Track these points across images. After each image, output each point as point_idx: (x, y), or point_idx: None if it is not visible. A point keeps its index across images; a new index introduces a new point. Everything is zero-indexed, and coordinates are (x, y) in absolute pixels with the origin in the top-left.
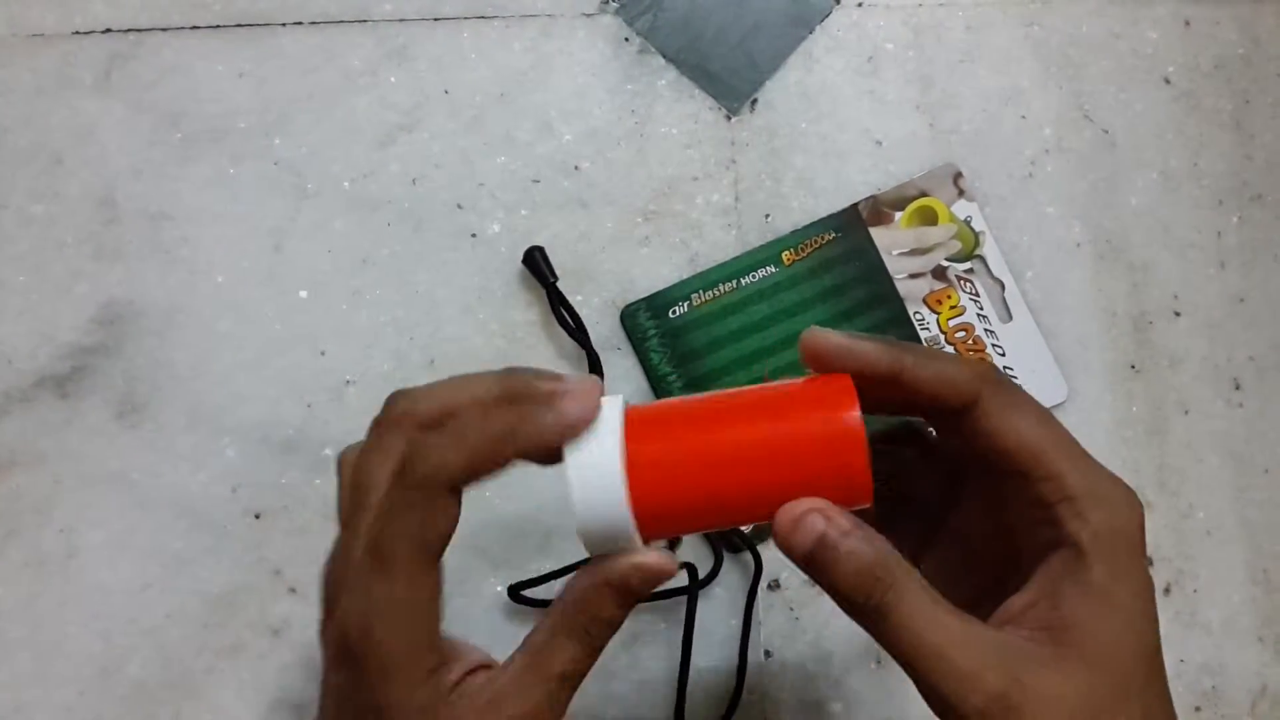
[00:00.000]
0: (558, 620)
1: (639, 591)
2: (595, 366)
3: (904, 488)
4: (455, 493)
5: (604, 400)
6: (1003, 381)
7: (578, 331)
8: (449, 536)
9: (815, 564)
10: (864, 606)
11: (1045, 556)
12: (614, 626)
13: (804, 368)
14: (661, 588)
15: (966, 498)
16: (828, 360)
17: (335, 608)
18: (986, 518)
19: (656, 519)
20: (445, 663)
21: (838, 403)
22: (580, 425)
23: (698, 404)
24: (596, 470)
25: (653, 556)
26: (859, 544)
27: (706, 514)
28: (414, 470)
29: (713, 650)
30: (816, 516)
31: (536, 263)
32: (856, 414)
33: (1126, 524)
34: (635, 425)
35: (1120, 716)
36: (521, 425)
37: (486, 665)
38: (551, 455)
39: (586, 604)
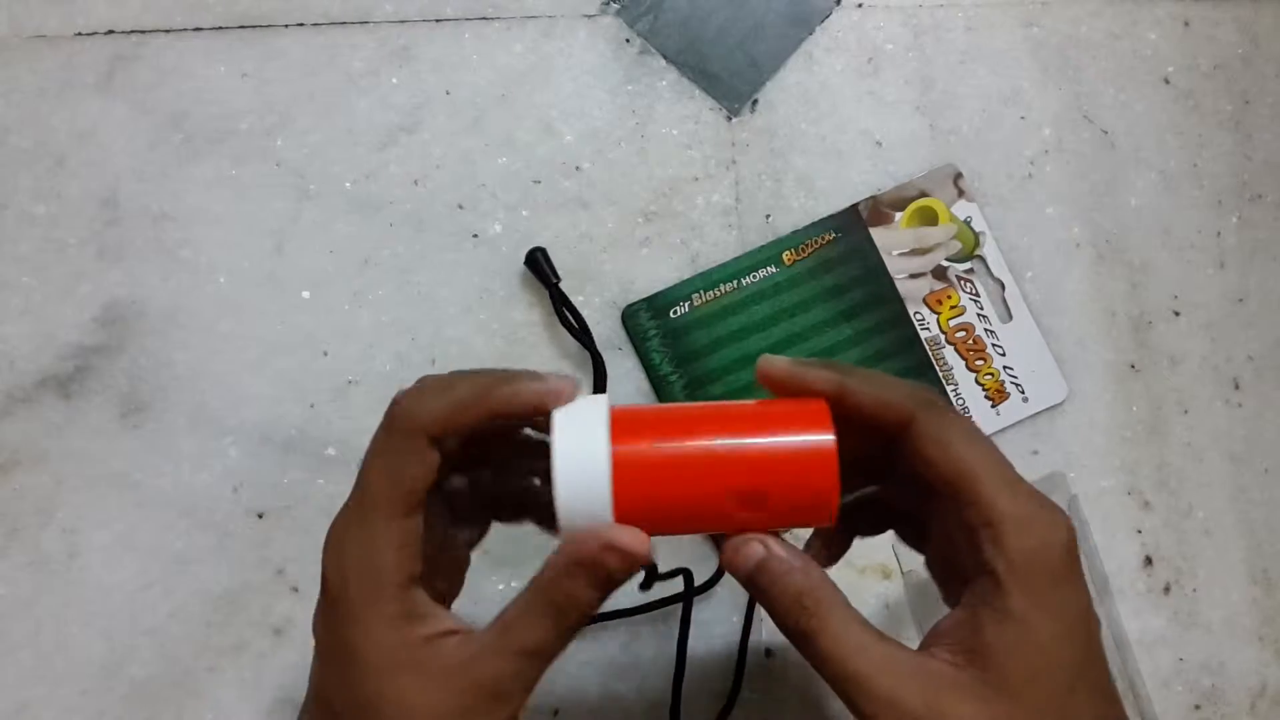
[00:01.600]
0: (531, 597)
1: (612, 573)
2: (599, 367)
3: (884, 497)
4: (435, 442)
5: (591, 398)
6: (936, 404)
7: (581, 333)
8: (425, 485)
9: (754, 587)
10: (793, 630)
11: (974, 578)
12: (586, 608)
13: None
14: (661, 595)
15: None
16: (779, 385)
17: (326, 552)
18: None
19: (634, 510)
20: (417, 615)
21: (813, 425)
22: (557, 394)
23: (681, 411)
24: (582, 454)
25: (625, 535)
26: (791, 573)
27: (681, 515)
28: (397, 419)
29: (713, 648)
30: (757, 545)
31: (539, 263)
32: (830, 438)
33: (1047, 550)
34: (621, 422)
35: None
36: (500, 385)
37: (460, 631)
38: (529, 414)
39: (559, 583)
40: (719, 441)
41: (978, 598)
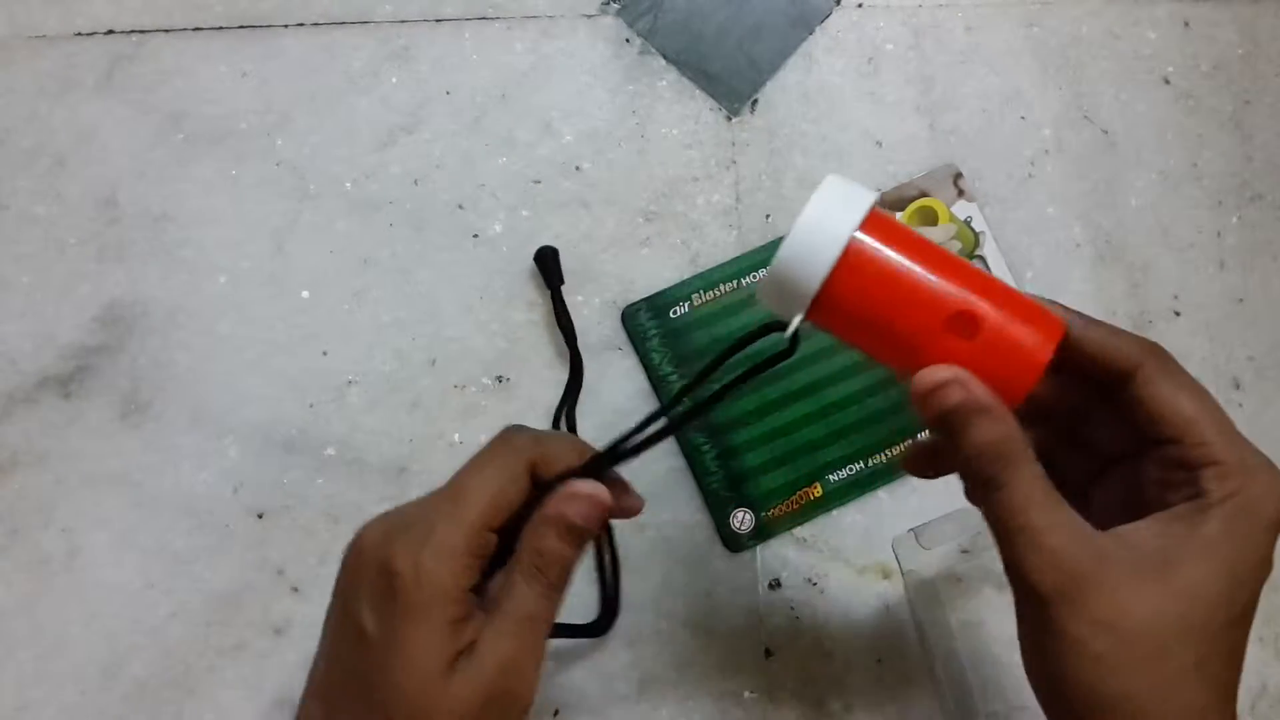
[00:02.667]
0: (514, 568)
1: (574, 522)
2: (577, 370)
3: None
4: (530, 474)
5: (863, 189)
6: (1166, 354)
7: (568, 337)
8: (515, 507)
9: (946, 425)
10: (980, 475)
11: (1175, 505)
12: (564, 562)
13: None
14: (573, 620)
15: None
16: None
17: (389, 539)
18: (1116, 477)
19: (843, 289)
20: (465, 621)
21: (1047, 317)
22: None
23: (935, 247)
24: (828, 219)
25: (586, 485)
26: (990, 419)
27: (884, 316)
28: (509, 441)
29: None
30: (956, 386)
31: (547, 262)
32: (1060, 328)
33: (1263, 500)
34: (878, 221)
35: (1174, 653)
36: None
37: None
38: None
39: (533, 544)
40: (956, 276)
41: (1176, 515)
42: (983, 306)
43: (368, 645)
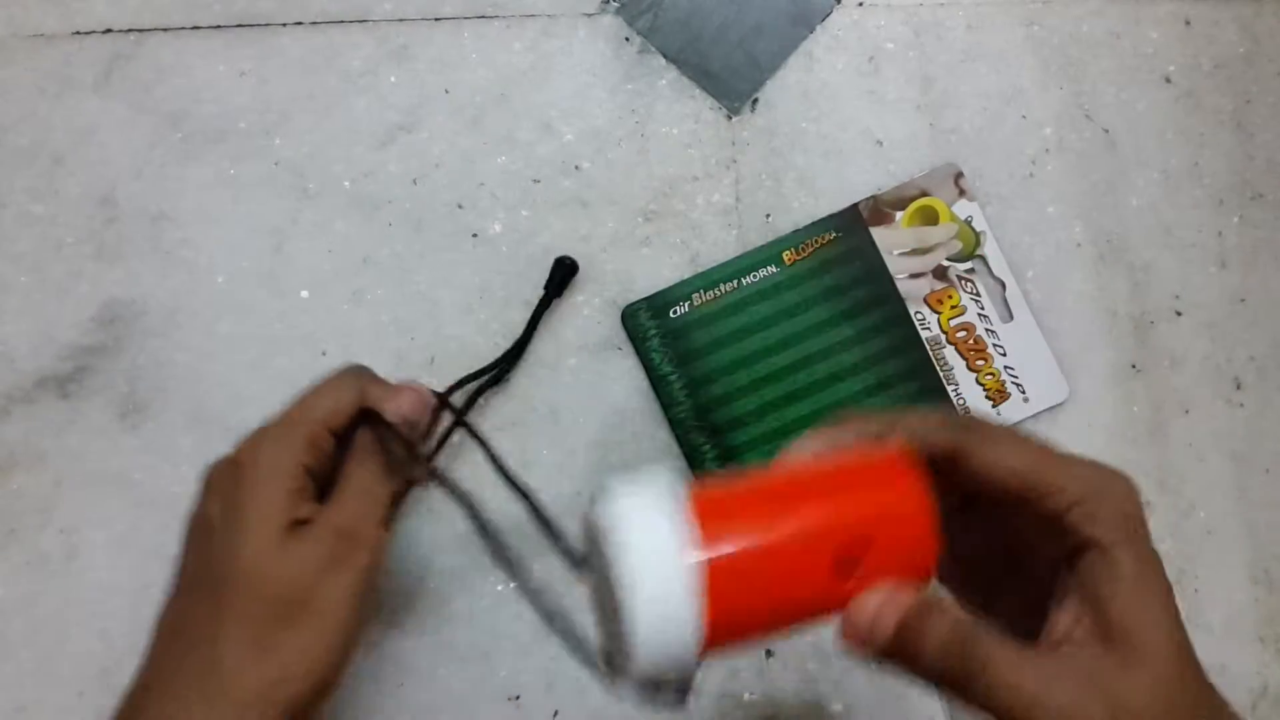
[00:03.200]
0: (350, 459)
1: (407, 414)
2: (503, 371)
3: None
4: (361, 395)
5: (653, 485)
6: (971, 423)
7: (514, 348)
8: (348, 416)
9: (899, 653)
10: (955, 675)
11: (1069, 564)
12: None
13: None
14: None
15: (960, 527)
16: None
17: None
18: (982, 541)
19: (726, 628)
20: (307, 495)
21: (896, 470)
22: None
23: (750, 487)
24: (662, 601)
25: (411, 385)
26: (936, 619)
27: (773, 611)
28: (345, 369)
29: None
30: (888, 607)
31: (561, 272)
32: (920, 479)
33: (1131, 506)
34: (696, 522)
35: (1193, 710)
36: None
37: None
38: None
39: (366, 435)
40: (802, 513)
41: (1089, 577)
42: (849, 526)
43: (212, 531)
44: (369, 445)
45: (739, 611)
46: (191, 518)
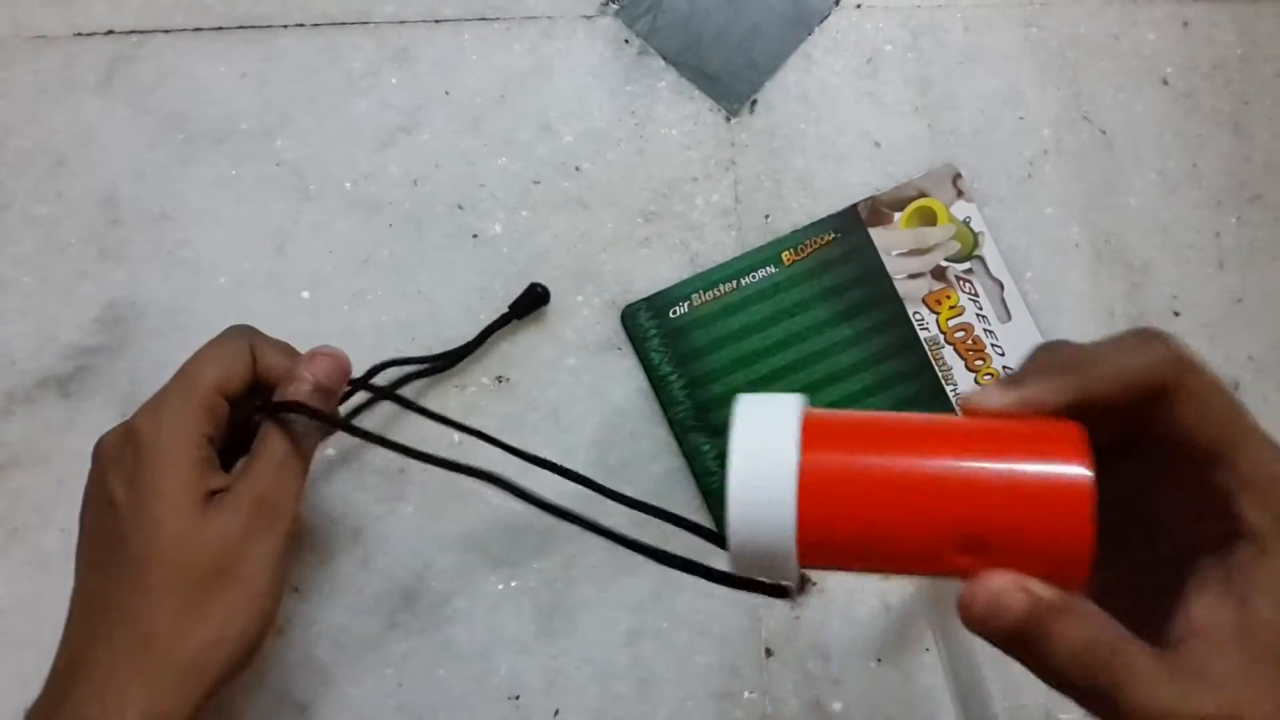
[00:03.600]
0: (264, 425)
1: (322, 381)
2: (458, 354)
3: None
4: (252, 356)
5: (780, 399)
6: (1188, 363)
7: (484, 335)
8: (243, 381)
9: (1022, 648)
10: (1090, 687)
11: (1217, 549)
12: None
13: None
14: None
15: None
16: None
17: (126, 420)
18: (1117, 493)
19: (823, 538)
20: (214, 465)
21: (1061, 453)
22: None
23: (891, 422)
24: (764, 463)
25: (327, 348)
26: (1072, 621)
27: (883, 548)
28: (231, 328)
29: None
30: (1017, 592)
31: (530, 298)
32: (1087, 475)
33: None
34: (816, 429)
35: None
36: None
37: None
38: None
39: (282, 398)
40: (936, 463)
41: (1238, 568)
42: (982, 517)
43: (118, 507)
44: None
45: (834, 527)
46: (90, 495)
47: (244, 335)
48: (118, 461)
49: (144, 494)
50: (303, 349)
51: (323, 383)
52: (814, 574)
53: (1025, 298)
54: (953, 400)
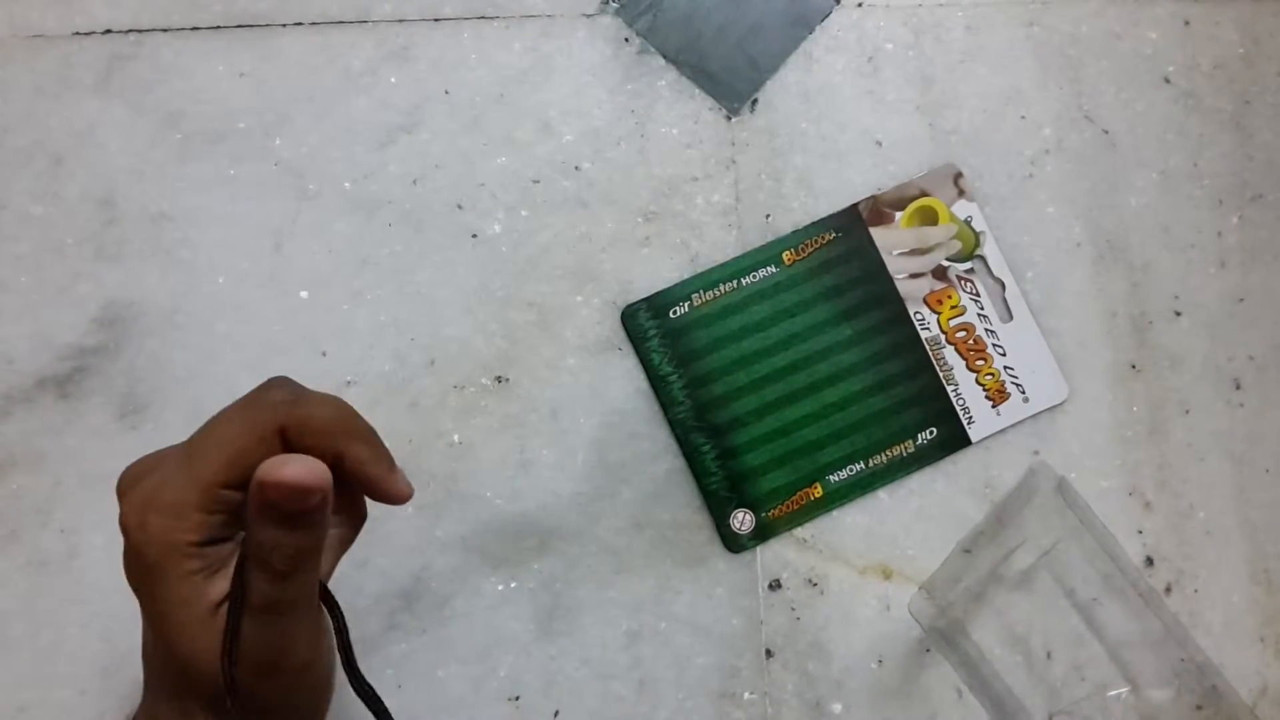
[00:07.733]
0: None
1: (290, 510)
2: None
3: None
4: (282, 437)
5: None
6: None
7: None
8: (256, 462)
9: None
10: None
11: None
12: (284, 549)
13: None
14: None
15: None
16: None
17: (124, 490)
18: None
19: None
20: (217, 569)
21: None
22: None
23: None
24: None
25: (293, 466)
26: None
27: None
28: (263, 396)
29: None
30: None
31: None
32: None
33: None
34: None
35: None
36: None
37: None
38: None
39: (251, 534)
40: None
41: None
42: None
43: (137, 593)
44: (257, 545)
45: None
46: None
47: (273, 406)
48: (126, 557)
49: (152, 608)
50: (303, 348)
51: (287, 510)
52: (818, 574)
53: (1026, 297)
54: (953, 399)
